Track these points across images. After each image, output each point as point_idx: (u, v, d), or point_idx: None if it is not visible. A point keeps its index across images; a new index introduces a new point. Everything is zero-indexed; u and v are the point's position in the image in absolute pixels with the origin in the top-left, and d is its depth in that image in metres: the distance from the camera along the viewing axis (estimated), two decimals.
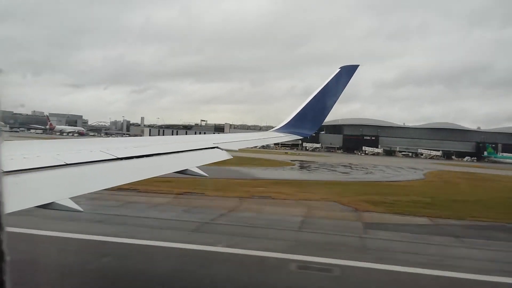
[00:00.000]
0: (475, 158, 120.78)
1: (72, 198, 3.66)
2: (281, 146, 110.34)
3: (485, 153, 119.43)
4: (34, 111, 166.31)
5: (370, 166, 60.98)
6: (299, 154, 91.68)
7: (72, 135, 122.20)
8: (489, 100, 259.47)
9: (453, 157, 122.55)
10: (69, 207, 3.55)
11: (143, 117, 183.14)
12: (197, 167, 6.27)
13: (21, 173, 3.49)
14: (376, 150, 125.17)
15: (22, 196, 3.24)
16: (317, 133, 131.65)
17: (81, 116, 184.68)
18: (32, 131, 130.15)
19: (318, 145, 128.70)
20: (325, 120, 13.01)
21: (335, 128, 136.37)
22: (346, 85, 12.36)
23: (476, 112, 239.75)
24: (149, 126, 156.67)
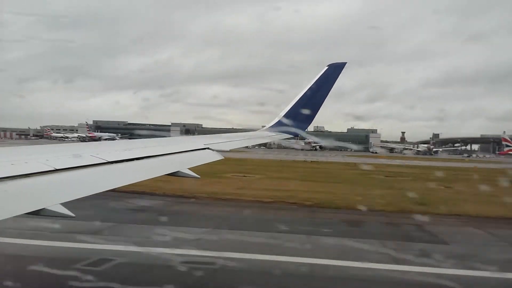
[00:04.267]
0: None
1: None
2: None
3: None
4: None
5: None
6: None
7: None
8: None
9: None
10: (60, 213, 3.52)
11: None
12: (188, 168, 6.26)
13: (9, 180, 3.45)
14: None
15: (11, 203, 3.21)
16: None
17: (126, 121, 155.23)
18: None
19: None
20: None
21: None
22: (334, 82, 12.37)
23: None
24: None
